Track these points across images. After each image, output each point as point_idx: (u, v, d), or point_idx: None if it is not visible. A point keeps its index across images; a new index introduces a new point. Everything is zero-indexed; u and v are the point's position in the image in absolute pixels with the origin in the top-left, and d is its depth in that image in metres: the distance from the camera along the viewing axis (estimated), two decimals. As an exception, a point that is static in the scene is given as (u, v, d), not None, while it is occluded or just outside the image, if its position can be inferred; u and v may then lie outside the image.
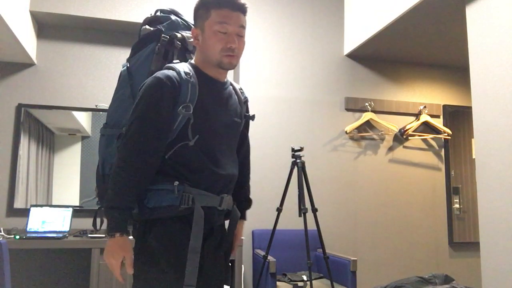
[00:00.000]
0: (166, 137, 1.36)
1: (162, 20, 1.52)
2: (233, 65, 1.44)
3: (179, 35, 1.50)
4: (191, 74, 1.39)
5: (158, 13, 1.55)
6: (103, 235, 3.08)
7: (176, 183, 1.34)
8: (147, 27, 1.51)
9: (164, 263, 1.33)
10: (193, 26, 1.55)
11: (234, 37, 1.39)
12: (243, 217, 1.66)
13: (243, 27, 1.42)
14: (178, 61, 1.47)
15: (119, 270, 1.34)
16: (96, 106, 3.50)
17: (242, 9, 1.41)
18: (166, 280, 1.32)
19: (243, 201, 1.66)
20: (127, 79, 1.48)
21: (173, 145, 1.37)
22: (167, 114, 1.34)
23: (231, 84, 1.56)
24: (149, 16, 1.55)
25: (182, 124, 1.36)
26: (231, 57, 1.40)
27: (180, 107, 1.34)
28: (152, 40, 1.48)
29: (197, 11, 1.43)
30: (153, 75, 1.36)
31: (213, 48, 1.39)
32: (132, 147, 1.32)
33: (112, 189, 1.32)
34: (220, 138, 1.45)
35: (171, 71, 1.37)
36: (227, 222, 1.56)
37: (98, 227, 1.56)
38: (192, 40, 1.52)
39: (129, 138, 1.33)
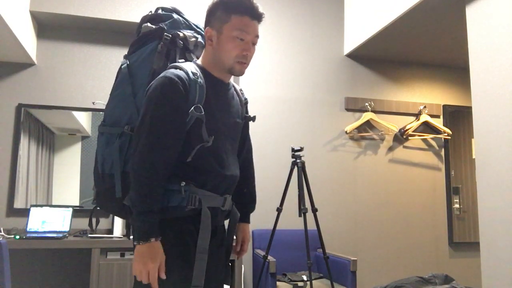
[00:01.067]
0: (183, 135, 1.35)
1: (164, 18, 1.50)
2: (243, 73, 1.45)
3: (181, 34, 1.48)
4: (198, 74, 1.38)
5: (160, 11, 1.53)
6: (103, 235, 3.08)
7: (183, 183, 1.33)
8: (149, 24, 1.48)
9: (168, 263, 1.32)
10: (195, 25, 1.53)
11: (250, 45, 1.41)
12: (247, 220, 1.66)
13: (257, 36, 1.44)
14: (183, 60, 1.46)
15: (157, 276, 1.28)
16: (94, 103, 3.49)
17: (260, 19, 1.43)
18: (170, 281, 1.31)
19: (249, 203, 1.67)
20: (127, 76, 1.45)
21: (190, 147, 1.36)
22: (182, 112, 1.33)
23: (233, 85, 1.57)
24: (150, 13, 1.53)
25: (190, 125, 1.35)
26: (243, 65, 1.42)
27: (192, 108, 1.33)
28: (154, 38, 1.45)
29: (215, 12, 1.41)
30: (163, 75, 1.34)
31: (229, 53, 1.39)
32: (152, 147, 1.29)
33: (138, 193, 1.27)
34: (225, 139, 1.45)
35: (179, 70, 1.35)
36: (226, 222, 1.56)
37: (94, 227, 1.55)
38: (193, 39, 1.51)
39: (146, 138, 1.29)
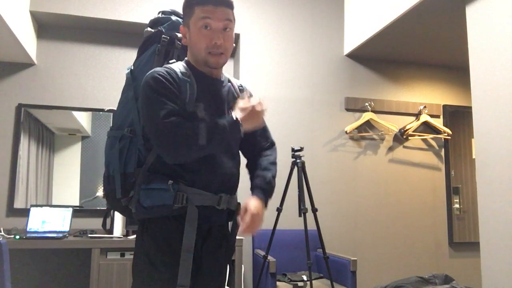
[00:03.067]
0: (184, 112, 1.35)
1: (163, 21, 1.53)
2: (220, 64, 1.43)
3: (179, 35, 1.50)
4: (188, 73, 1.40)
5: (160, 15, 1.56)
6: (103, 235, 3.08)
7: (170, 182, 1.34)
8: (149, 29, 1.52)
9: (159, 262, 1.33)
10: None
11: (219, 33, 1.38)
12: (253, 193, 1.48)
13: (229, 20, 1.40)
14: (174, 60, 1.47)
15: None
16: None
17: (227, 4, 1.39)
18: (161, 280, 1.31)
19: (255, 179, 1.53)
20: (130, 81, 1.49)
21: None
22: (177, 97, 1.33)
23: (230, 81, 1.54)
24: (152, 18, 1.57)
25: None
26: (218, 56, 1.40)
27: (191, 102, 1.36)
28: (154, 42, 1.49)
29: (184, 9, 1.43)
30: (149, 73, 1.36)
31: (199, 45, 1.38)
32: (170, 127, 1.27)
33: (200, 145, 1.28)
34: None
35: (168, 70, 1.38)
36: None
37: (107, 227, 1.56)
38: None
39: (159, 125, 1.27)
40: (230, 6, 1.41)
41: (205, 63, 1.41)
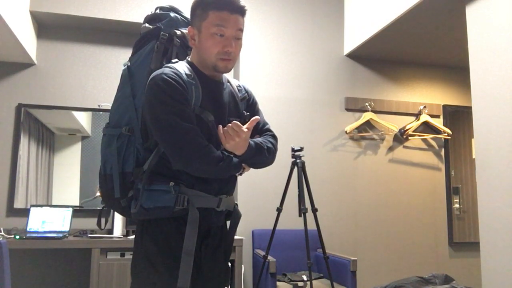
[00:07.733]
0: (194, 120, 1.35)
1: (162, 18, 1.50)
2: (229, 69, 1.42)
3: (178, 33, 1.48)
4: (192, 76, 1.38)
5: (158, 11, 1.53)
6: (103, 235, 3.08)
7: (172, 183, 1.33)
8: (147, 25, 1.49)
9: (159, 264, 1.32)
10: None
11: (231, 40, 1.37)
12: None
13: (241, 30, 1.39)
14: (176, 60, 1.45)
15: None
16: (99, 106, 3.50)
17: (241, 12, 1.39)
18: (161, 281, 1.31)
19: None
20: (127, 78, 1.46)
21: None
22: (188, 102, 1.33)
23: (229, 81, 1.53)
24: (149, 14, 1.53)
25: None
26: (227, 61, 1.39)
27: (199, 109, 1.35)
28: (152, 38, 1.46)
29: (195, 10, 1.40)
30: (156, 73, 1.34)
31: (210, 50, 1.37)
32: (185, 140, 1.29)
33: (211, 166, 1.31)
34: (217, 139, 1.42)
35: (175, 71, 1.35)
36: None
37: (102, 226, 1.55)
38: None
39: (173, 136, 1.28)
40: (244, 14, 1.40)
41: (214, 68, 1.39)
